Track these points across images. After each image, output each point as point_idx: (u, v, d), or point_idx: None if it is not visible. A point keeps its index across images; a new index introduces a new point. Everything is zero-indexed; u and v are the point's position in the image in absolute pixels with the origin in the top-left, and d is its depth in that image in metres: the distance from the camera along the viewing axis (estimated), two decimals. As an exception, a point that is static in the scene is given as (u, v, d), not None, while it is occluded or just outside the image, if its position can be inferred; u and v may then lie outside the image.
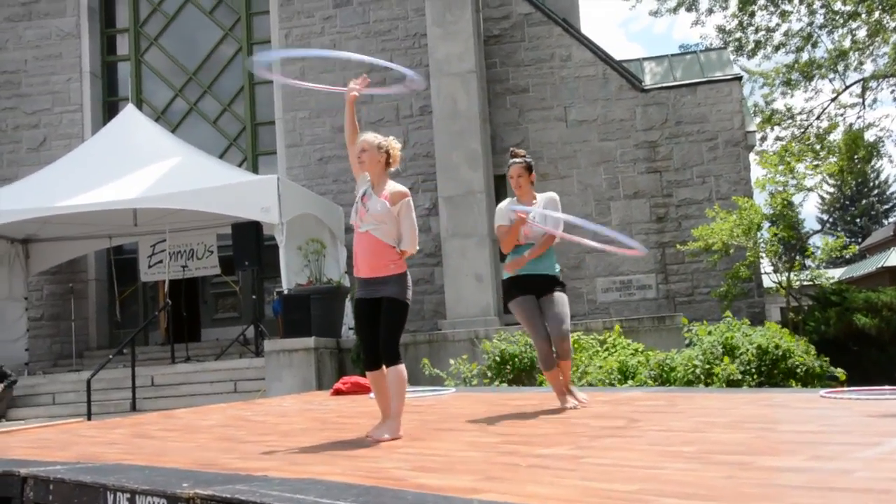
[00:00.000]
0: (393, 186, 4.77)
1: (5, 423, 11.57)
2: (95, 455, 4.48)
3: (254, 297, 13.82)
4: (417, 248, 4.81)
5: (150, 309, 16.72)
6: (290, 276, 12.77)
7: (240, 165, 16.44)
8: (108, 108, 17.35)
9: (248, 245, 12.99)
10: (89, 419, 10.57)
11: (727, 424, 4.56)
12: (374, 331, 4.60)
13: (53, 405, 12.34)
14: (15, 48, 17.27)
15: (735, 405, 5.46)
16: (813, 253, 15.81)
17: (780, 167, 14.14)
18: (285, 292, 12.26)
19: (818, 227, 48.67)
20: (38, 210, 13.01)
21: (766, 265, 14.95)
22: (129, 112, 14.75)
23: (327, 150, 16.17)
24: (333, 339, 11.96)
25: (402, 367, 4.59)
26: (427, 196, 15.67)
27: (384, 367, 4.60)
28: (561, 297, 5.67)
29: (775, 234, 13.69)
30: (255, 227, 13.09)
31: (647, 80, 16.49)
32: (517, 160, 5.79)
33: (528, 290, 5.62)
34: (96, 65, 17.41)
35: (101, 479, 3.19)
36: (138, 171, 13.14)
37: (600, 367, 10.03)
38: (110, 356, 11.94)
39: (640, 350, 10.73)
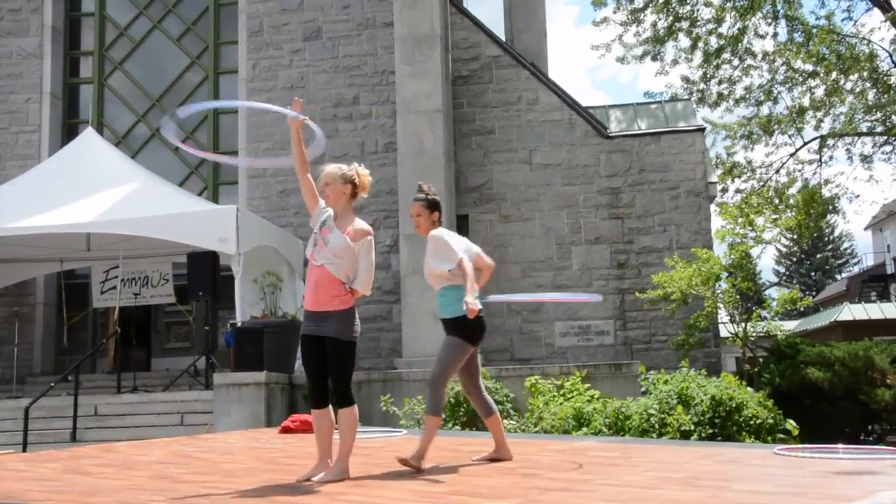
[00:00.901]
0: (357, 223, 4.62)
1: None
2: (17, 493, 4.23)
3: (206, 328, 13.50)
4: (370, 291, 4.64)
5: (100, 335, 16.30)
6: (245, 308, 12.53)
7: (200, 194, 16.19)
8: (68, 131, 17.05)
9: (204, 275, 12.71)
10: (24, 450, 10.17)
11: (681, 481, 4.46)
12: (321, 368, 4.44)
13: (-11, 433, 11.86)
14: (-26, 65, 16.93)
15: (689, 459, 5.37)
16: (769, 305, 15.94)
17: (740, 219, 14.28)
18: (239, 324, 12.00)
19: (775, 279, 49.43)
20: (-13, 230, 12.63)
21: (723, 315, 15.02)
22: (87, 135, 14.47)
23: (289, 183, 16.00)
24: (286, 374, 11.71)
25: (354, 408, 4.44)
26: (388, 233, 15.56)
27: (333, 408, 4.43)
28: (445, 341, 5.18)
29: (733, 285, 13.77)
30: (212, 256, 12.82)
31: (613, 128, 16.65)
32: (419, 196, 5.36)
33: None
34: (57, 86, 17.14)
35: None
36: (94, 195, 12.85)
37: (554, 414, 9.93)
38: (52, 383, 11.55)
39: (595, 397, 10.66)
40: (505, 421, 10.65)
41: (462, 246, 5.24)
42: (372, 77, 16.20)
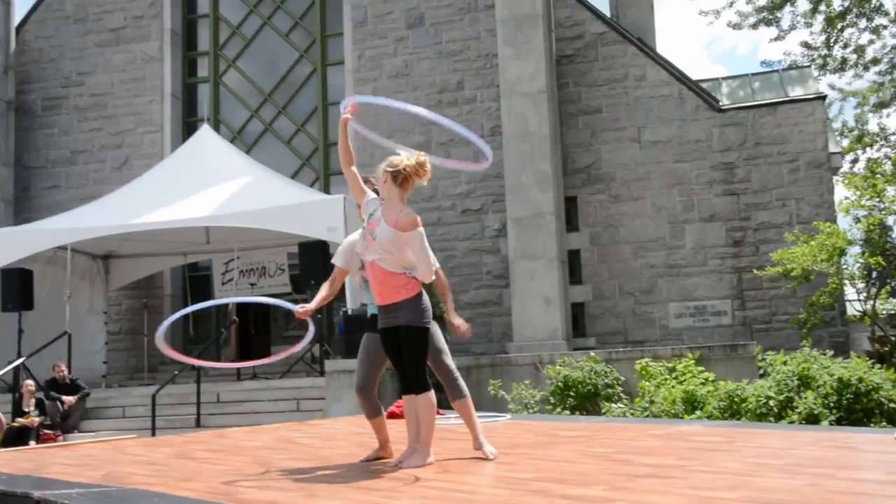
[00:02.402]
0: (403, 213, 4.38)
1: (76, 436, 11.86)
2: (124, 477, 4.45)
3: (318, 316, 13.83)
4: (432, 276, 4.52)
5: (223, 325, 16.99)
6: (355, 296, 12.75)
7: (311, 185, 16.60)
8: (188, 129, 17.78)
9: (315, 264, 13.02)
10: (153, 434, 10.74)
11: (781, 468, 4.23)
12: (401, 357, 4.45)
13: (123, 418, 12.60)
14: (103, 72, 17.90)
15: (797, 445, 5.10)
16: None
17: (866, 189, 13.45)
18: (349, 312, 12.24)
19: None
20: (115, 227, 13.39)
21: (850, 292, 14.25)
22: (203, 132, 15.08)
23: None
24: (395, 360, 11.86)
25: (430, 394, 4.42)
26: (496, 217, 15.51)
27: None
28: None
29: (858, 261, 13.01)
30: (322, 246, 13.13)
31: (725, 100, 15.99)
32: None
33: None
34: (177, 87, 17.90)
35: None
36: (210, 190, 13.40)
37: (665, 398, 9.66)
38: (176, 372, 12.13)
39: (709, 379, 10.31)
40: (614, 405, 10.48)
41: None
42: (475, 61, 16.14)
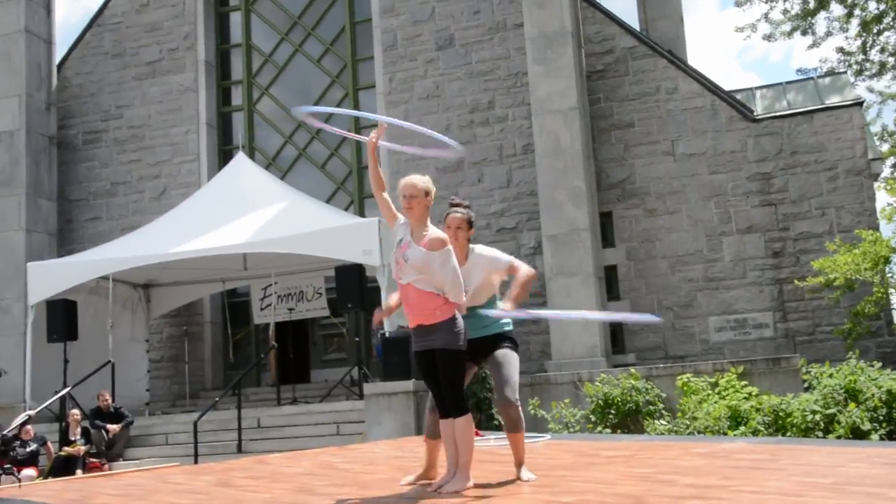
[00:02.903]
0: (432, 232, 4.47)
1: (121, 464, 12.00)
2: (166, 507, 4.49)
3: (357, 339, 13.90)
4: (464, 298, 4.49)
5: (262, 350, 17.12)
6: (393, 318, 12.76)
7: (346, 209, 16.71)
8: (223, 157, 18.03)
9: (351, 287, 13.10)
10: (196, 461, 10.82)
11: (830, 487, 4.13)
12: (437, 380, 4.44)
13: (166, 445, 12.72)
14: (141, 105, 18.25)
15: (845, 462, 4.98)
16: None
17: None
18: (387, 335, 12.26)
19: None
20: (154, 256, 13.61)
21: (896, 301, 13.96)
22: (239, 160, 15.28)
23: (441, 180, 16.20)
24: (434, 381, 11.84)
25: (468, 417, 4.40)
26: (531, 235, 15.48)
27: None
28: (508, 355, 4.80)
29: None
30: (358, 269, 13.20)
31: (759, 109, 15.83)
32: (458, 211, 4.88)
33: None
34: (212, 116, 18.18)
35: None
36: (246, 217, 13.56)
37: (708, 414, 9.51)
38: (217, 399, 12.23)
39: (753, 394, 10.14)
40: (657, 422, 10.34)
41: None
42: (506, 80, 16.18)
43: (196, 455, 11.16)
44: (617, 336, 15.10)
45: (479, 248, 4.91)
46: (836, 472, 4.65)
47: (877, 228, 13.83)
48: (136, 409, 14.83)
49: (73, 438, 12.21)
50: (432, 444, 4.87)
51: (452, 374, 4.38)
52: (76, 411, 12.68)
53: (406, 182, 4.57)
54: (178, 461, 10.73)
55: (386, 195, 4.75)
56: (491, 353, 4.76)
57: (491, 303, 4.89)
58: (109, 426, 12.58)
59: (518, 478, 4.67)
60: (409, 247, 4.47)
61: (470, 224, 4.88)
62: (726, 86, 16.95)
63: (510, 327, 4.88)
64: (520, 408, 4.68)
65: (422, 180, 4.60)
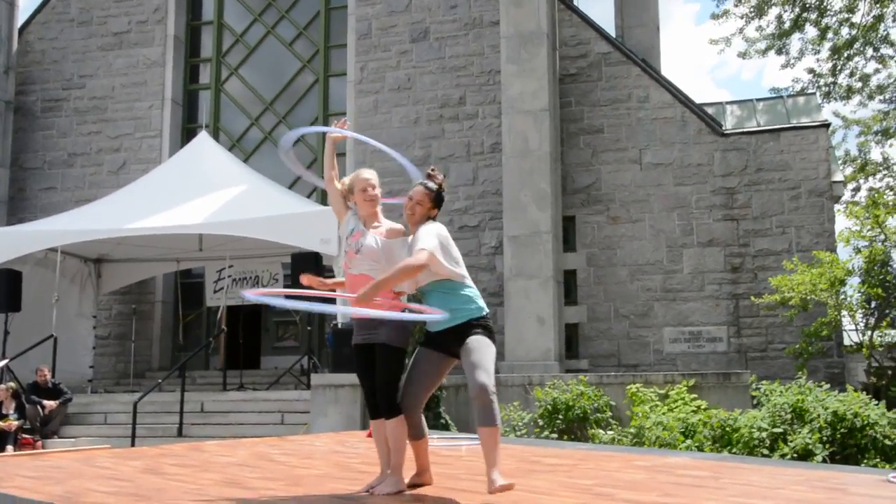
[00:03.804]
0: (392, 224, 4.50)
1: (55, 441, 11.67)
2: (81, 494, 4.27)
3: (308, 328, 13.68)
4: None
5: (213, 333, 16.81)
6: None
7: (309, 196, 16.46)
8: (187, 135, 17.66)
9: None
10: (133, 444, 10.55)
11: (767, 509, 4.05)
12: (372, 377, 4.28)
13: (105, 425, 12.40)
14: (105, 76, 17.81)
15: (785, 484, 4.91)
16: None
17: (867, 219, 13.29)
18: (339, 325, 12.07)
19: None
20: (107, 231, 13.24)
21: (847, 322, 14.05)
22: (202, 138, 14.96)
23: (395, 184, 16.00)
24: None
25: (400, 418, 4.24)
26: (493, 234, 15.36)
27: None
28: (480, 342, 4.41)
29: (859, 291, 12.83)
30: (315, 257, 12.97)
31: (729, 125, 15.86)
32: (427, 184, 4.49)
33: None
34: (178, 92, 17.80)
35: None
36: (205, 197, 13.26)
37: (656, 425, 9.46)
38: (160, 380, 11.95)
39: (702, 407, 10.12)
40: (603, 431, 10.28)
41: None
42: (478, 77, 16.03)
43: (133, 437, 10.88)
44: (571, 341, 15.05)
45: (426, 226, 4.38)
46: (776, 494, 4.57)
47: (834, 250, 13.92)
48: (79, 385, 14.46)
49: (5, 413, 11.83)
50: (418, 446, 4.47)
51: (389, 373, 4.22)
52: (11, 384, 12.28)
53: (368, 175, 4.51)
54: (114, 442, 10.45)
55: (338, 184, 4.61)
56: (463, 342, 4.29)
57: (444, 287, 4.34)
58: (46, 402, 12.21)
59: (490, 483, 4.03)
60: (363, 235, 4.39)
61: (435, 202, 4.45)
62: (698, 100, 16.96)
63: (482, 312, 4.39)
64: (494, 397, 4.12)
65: (374, 173, 4.56)
